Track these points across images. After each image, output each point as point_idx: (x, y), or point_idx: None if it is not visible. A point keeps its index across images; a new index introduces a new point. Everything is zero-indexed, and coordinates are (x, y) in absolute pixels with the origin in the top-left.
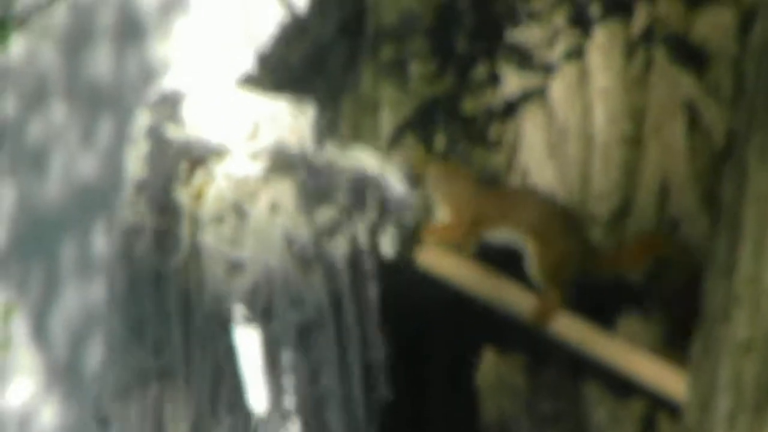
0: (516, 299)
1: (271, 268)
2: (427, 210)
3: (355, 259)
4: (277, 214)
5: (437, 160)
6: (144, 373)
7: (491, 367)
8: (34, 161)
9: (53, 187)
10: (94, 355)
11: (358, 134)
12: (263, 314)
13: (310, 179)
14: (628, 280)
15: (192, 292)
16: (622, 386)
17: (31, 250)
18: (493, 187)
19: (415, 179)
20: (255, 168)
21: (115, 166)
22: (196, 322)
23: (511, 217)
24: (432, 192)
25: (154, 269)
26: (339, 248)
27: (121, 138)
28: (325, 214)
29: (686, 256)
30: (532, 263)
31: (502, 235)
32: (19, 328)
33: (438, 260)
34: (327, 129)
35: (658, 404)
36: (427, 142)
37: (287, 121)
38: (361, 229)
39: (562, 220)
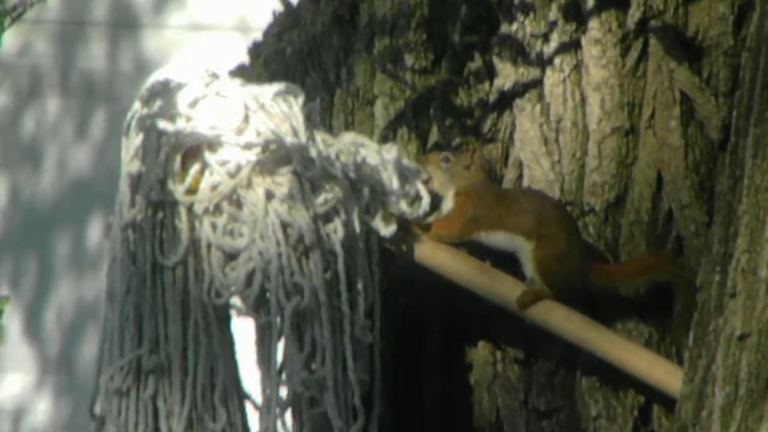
0: (510, 293)
1: (268, 257)
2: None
3: (351, 243)
4: (272, 202)
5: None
6: (140, 369)
7: (486, 362)
8: (28, 154)
9: (47, 180)
10: (88, 348)
11: (352, 127)
12: (258, 303)
13: (305, 167)
14: (620, 294)
15: (190, 285)
16: (618, 380)
17: (24, 243)
18: (499, 190)
19: (418, 171)
20: (248, 157)
21: (109, 159)
22: (194, 316)
23: (510, 221)
24: (444, 183)
25: (152, 263)
26: (336, 233)
27: (114, 131)
28: (321, 200)
29: (688, 279)
30: (531, 267)
31: (498, 238)
32: (13, 322)
33: (432, 252)
34: (319, 116)
35: (654, 398)
36: (421, 134)
37: (279, 109)
38: (357, 213)
39: (562, 225)
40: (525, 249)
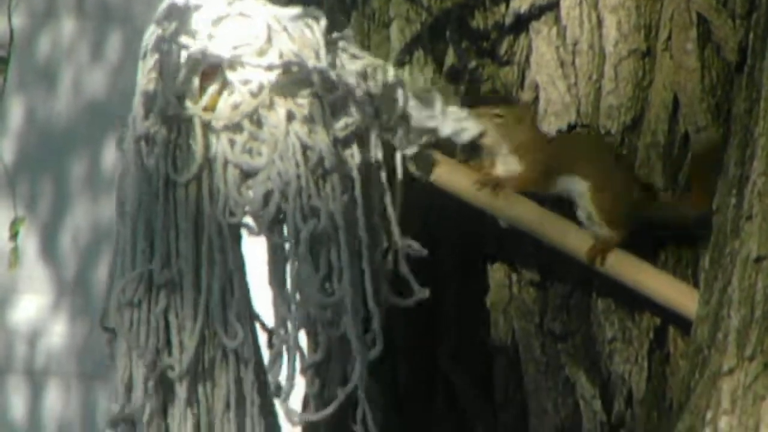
0: (525, 213)
1: (286, 178)
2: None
3: (369, 168)
4: (293, 124)
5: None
6: (152, 282)
7: (502, 285)
8: (43, 76)
9: (62, 102)
10: (104, 270)
11: (368, 50)
12: (272, 224)
13: (326, 91)
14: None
15: (203, 202)
16: (633, 302)
17: (39, 165)
18: (551, 137)
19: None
20: (270, 78)
21: (125, 81)
22: (207, 233)
23: (569, 166)
24: (500, 141)
25: (165, 179)
26: (354, 157)
27: (130, 52)
28: (342, 124)
29: None
30: (591, 208)
31: (563, 185)
32: (29, 243)
33: (448, 175)
34: (339, 40)
35: (669, 320)
36: (437, 58)
37: (301, 32)
38: (375, 139)
39: (613, 161)
40: (583, 191)
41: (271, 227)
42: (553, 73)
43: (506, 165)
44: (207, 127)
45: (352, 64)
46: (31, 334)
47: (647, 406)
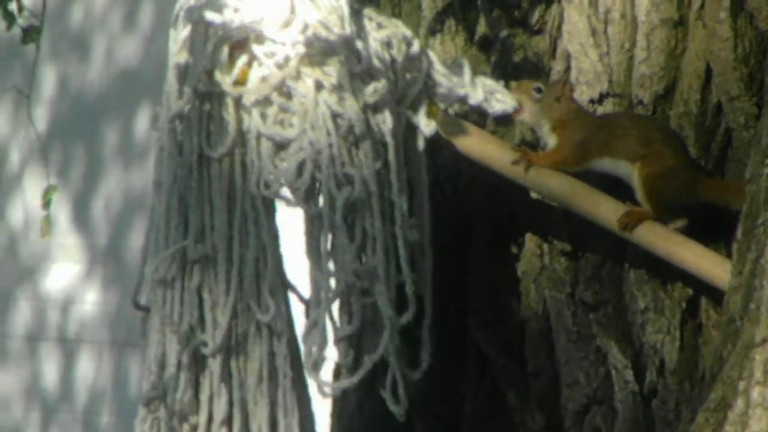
0: (557, 184)
1: (318, 147)
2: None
3: (401, 134)
4: (322, 93)
5: (546, 84)
6: (186, 259)
7: (533, 254)
8: (76, 45)
9: (95, 70)
10: (136, 238)
11: (399, 19)
12: (308, 194)
13: (352, 59)
14: (730, 208)
15: (236, 176)
16: (666, 273)
17: (72, 134)
18: (596, 117)
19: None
20: (296, 50)
21: (157, 49)
22: (240, 207)
23: (614, 145)
24: (535, 114)
25: (199, 155)
26: (386, 123)
27: (162, 21)
28: (371, 89)
29: None
30: (637, 188)
31: (605, 164)
32: (61, 212)
33: (479, 144)
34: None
35: (702, 290)
36: (468, 27)
37: (326, 1)
38: (405, 104)
39: (666, 143)
40: (630, 172)
41: (306, 198)
42: (585, 42)
43: (549, 140)
44: (239, 102)
45: (378, 33)
46: (63, 302)
47: (679, 376)
